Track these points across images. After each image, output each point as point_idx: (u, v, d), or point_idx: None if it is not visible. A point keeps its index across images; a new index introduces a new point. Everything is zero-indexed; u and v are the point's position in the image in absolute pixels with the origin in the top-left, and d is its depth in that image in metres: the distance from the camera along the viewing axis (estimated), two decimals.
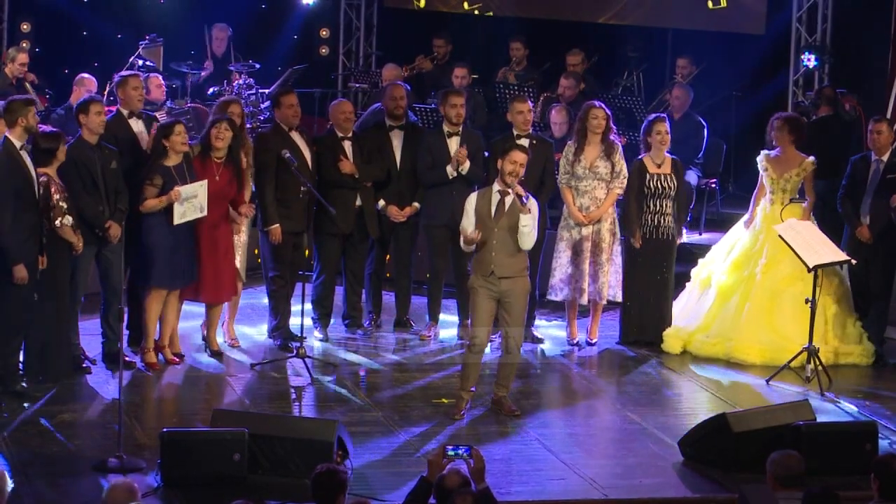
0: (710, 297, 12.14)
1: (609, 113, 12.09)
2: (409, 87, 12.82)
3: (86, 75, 13.09)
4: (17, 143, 9.99)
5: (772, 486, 7.30)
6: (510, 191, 10.05)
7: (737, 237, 12.31)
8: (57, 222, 10.14)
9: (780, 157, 12.12)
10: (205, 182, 10.79)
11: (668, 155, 12.10)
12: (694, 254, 12.73)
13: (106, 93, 13.22)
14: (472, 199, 10.25)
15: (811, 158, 12.08)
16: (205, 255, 11.06)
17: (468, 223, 10.15)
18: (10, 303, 9.97)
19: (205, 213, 10.79)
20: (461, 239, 10.26)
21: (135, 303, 11.12)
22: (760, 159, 12.22)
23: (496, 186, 10.15)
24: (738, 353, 11.79)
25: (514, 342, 10.23)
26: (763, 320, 11.83)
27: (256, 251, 12.14)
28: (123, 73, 11.97)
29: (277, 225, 11.57)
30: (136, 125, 11.28)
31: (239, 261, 11.56)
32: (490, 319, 10.19)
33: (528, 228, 10.01)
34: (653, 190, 12.01)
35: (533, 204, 10.11)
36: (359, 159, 11.91)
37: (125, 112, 11.29)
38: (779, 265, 11.89)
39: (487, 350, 10.59)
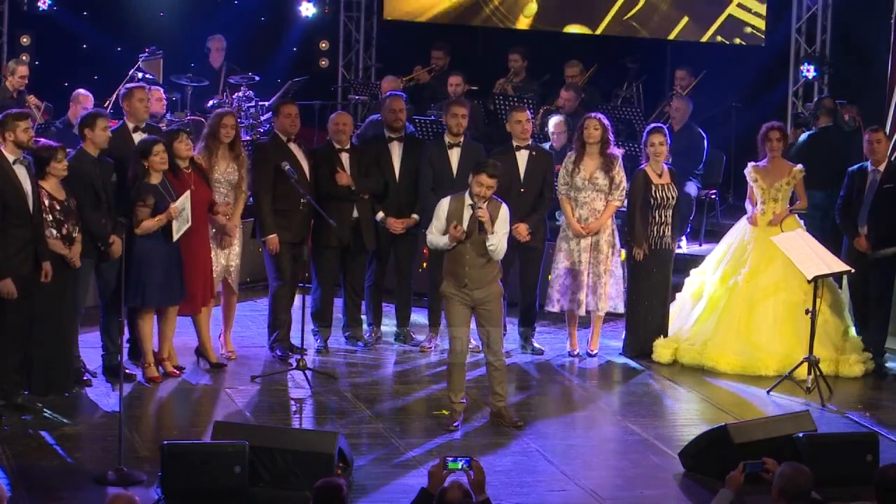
0: (700, 308, 12.15)
1: (607, 124, 12.06)
2: (405, 96, 12.79)
3: (82, 91, 13.00)
4: (11, 158, 9.97)
5: (775, 498, 7.27)
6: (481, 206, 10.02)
7: (728, 245, 12.32)
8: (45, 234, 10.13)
9: (768, 168, 12.15)
10: (188, 193, 10.77)
11: (664, 166, 12.10)
12: (696, 264, 12.68)
13: (108, 105, 13.20)
14: (445, 205, 10.20)
15: (799, 166, 12.15)
16: (187, 267, 10.95)
17: (438, 227, 10.14)
18: (6, 316, 9.96)
19: (190, 223, 10.78)
20: (431, 239, 10.20)
21: (134, 316, 11.10)
22: (748, 171, 12.23)
23: (468, 200, 10.11)
24: (709, 360, 11.80)
25: (497, 347, 10.22)
26: (739, 329, 11.84)
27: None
28: (130, 84, 11.90)
29: (274, 235, 11.56)
30: (139, 139, 11.21)
31: (234, 271, 11.53)
32: (467, 323, 10.18)
33: (494, 247, 10.03)
34: (658, 201, 11.99)
35: (504, 211, 10.11)
36: (356, 171, 11.91)
37: (130, 126, 11.24)
38: (760, 275, 11.91)
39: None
